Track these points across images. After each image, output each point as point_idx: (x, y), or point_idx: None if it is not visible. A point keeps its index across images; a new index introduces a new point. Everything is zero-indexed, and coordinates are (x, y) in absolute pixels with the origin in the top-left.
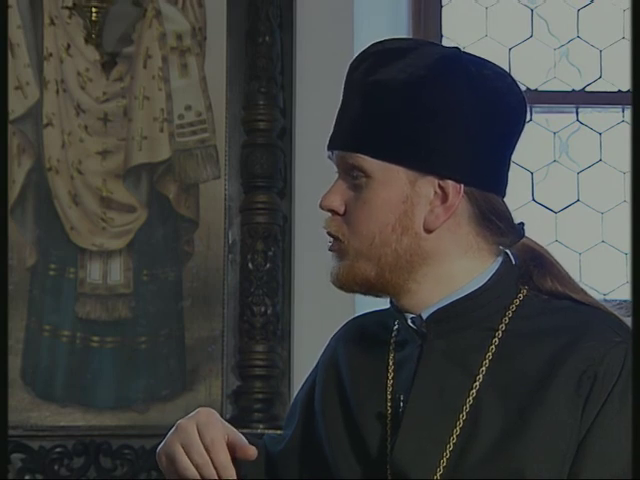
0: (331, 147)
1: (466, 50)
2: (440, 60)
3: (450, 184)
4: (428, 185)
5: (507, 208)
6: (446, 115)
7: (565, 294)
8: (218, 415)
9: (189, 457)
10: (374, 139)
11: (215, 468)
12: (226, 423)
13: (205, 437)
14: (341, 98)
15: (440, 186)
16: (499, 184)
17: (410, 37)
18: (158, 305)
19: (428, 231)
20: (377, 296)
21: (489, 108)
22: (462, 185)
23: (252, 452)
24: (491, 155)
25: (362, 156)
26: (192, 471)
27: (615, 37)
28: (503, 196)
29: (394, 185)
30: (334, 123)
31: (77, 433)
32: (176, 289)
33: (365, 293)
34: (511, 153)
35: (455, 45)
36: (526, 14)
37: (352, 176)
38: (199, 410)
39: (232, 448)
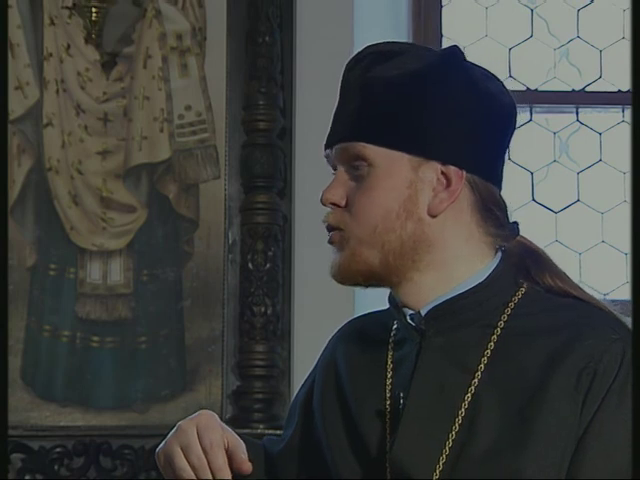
0: (330, 143)
1: (466, 50)
2: (436, 56)
3: (452, 169)
4: (431, 170)
5: (504, 202)
6: (446, 103)
7: (565, 290)
8: (219, 419)
9: (187, 459)
10: (376, 127)
11: (212, 471)
12: (226, 427)
13: (204, 440)
14: (337, 100)
15: (442, 172)
16: (497, 176)
17: (404, 41)
18: (158, 305)
19: (432, 216)
20: (379, 286)
21: (485, 103)
22: (464, 171)
23: (247, 467)
24: (489, 146)
25: (364, 144)
26: (188, 472)
27: (615, 37)
28: (500, 190)
29: (398, 171)
30: (331, 123)
31: (77, 433)
32: (176, 289)
33: (366, 284)
34: (505, 150)
35: (456, 44)
36: (526, 14)
37: (354, 167)
38: (200, 412)
39: (230, 455)
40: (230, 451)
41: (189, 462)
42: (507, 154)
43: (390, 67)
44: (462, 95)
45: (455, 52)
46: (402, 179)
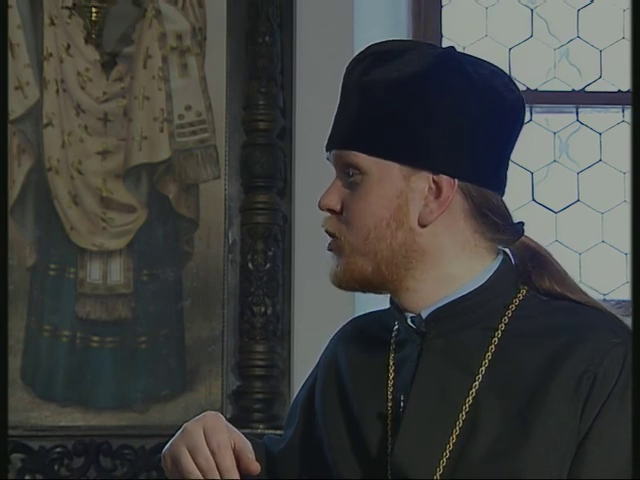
0: (328, 148)
1: (466, 50)
2: (435, 58)
3: (444, 179)
4: (422, 180)
5: (505, 205)
6: (440, 111)
7: (563, 294)
8: (225, 420)
9: (194, 460)
10: (368, 136)
11: (219, 472)
12: (233, 428)
13: (211, 441)
14: (338, 101)
15: (434, 181)
16: (496, 181)
17: (408, 39)
18: (158, 305)
19: (422, 226)
20: (377, 293)
21: (485, 105)
22: (456, 180)
23: (255, 467)
24: (487, 151)
25: (356, 153)
26: (196, 474)
27: (615, 37)
28: (502, 194)
29: (389, 181)
30: (332, 124)
31: (77, 433)
32: (176, 289)
33: (364, 290)
34: (509, 152)
35: (453, 45)
36: (526, 14)
37: (348, 174)
38: (206, 414)
39: (237, 456)
40: (237, 452)
41: (196, 463)
42: (510, 156)
43: (387, 70)
44: (460, 100)
45: (451, 55)
46: (393, 188)
